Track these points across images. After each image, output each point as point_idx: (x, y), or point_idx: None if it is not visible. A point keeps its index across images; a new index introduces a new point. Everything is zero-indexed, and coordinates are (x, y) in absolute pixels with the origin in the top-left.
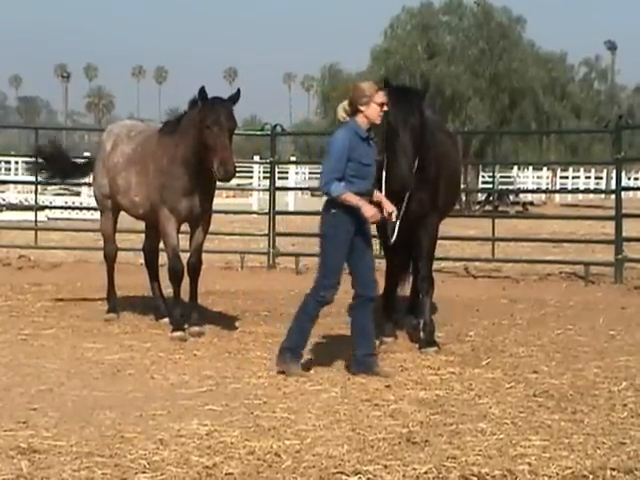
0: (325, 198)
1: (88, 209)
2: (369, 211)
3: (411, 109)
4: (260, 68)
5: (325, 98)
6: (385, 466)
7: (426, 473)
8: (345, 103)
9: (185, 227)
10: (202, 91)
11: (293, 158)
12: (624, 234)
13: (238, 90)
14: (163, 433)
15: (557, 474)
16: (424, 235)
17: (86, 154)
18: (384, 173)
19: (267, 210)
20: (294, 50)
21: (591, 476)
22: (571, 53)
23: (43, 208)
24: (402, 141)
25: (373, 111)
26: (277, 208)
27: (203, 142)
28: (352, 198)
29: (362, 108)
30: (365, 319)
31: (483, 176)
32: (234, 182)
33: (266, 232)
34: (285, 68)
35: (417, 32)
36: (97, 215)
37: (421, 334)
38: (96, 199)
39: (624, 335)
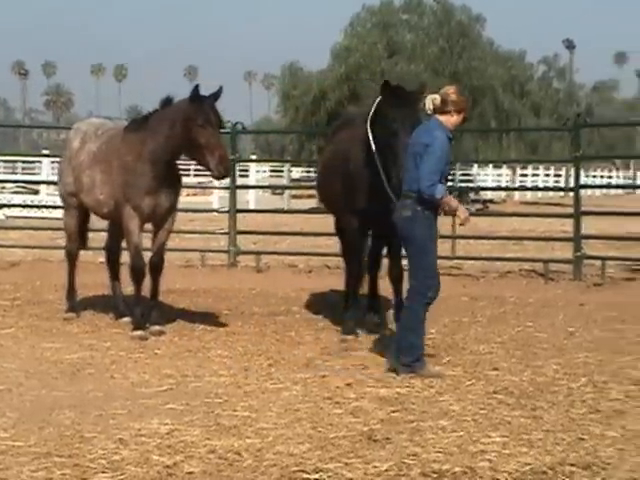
0: (407, 200)
1: (47, 207)
2: (464, 213)
3: (412, 111)
4: (220, 66)
5: (285, 96)
6: (346, 464)
7: (387, 471)
8: (437, 97)
9: (148, 225)
10: (196, 90)
11: (254, 156)
12: (583, 232)
13: (220, 87)
14: (123, 432)
15: (517, 470)
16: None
17: (45, 152)
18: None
19: (228, 208)
20: (254, 48)
21: (550, 472)
22: (530, 52)
23: (1, 207)
24: (405, 142)
25: (458, 121)
26: (238, 206)
27: (194, 141)
28: (451, 200)
29: (454, 114)
30: (411, 317)
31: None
32: (194, 180)
33: (227, 230)
34: (245, 66)
35: (377, 30)
36: (56, 213)
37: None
38: (61, 197)
39: (583, 332)
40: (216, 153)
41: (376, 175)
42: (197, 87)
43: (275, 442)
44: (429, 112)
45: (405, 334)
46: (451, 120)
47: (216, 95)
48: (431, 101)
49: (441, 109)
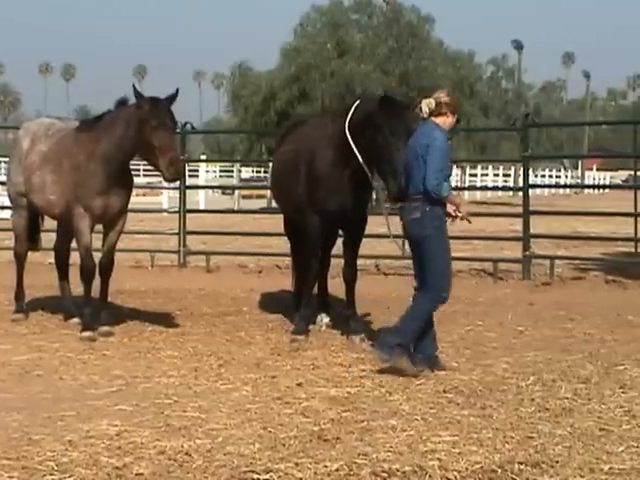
0: (414, 203)
1: None
2: (464, 210)
3: (408, 121)
4: (170, 66)
5: (235, 96)
6: (296, 464)
7: (337, 470)
8: (431, 101)
9: (98, 226)
10: (136, 90)
11: (203, 156)
12: (531, 231)
13: (176, 90)
14: (72, 434)
15: (466, 469)
16: (359, 231)
17: None
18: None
19: (177, 208)
20: (204, 48)
21: (499, 470)
22: (479, 52)
23: None
24: (402, 150)
25: (453, 121)
26: (187, 206)
27: (147, 142)
28: (454, 198)
29: (449, 115)
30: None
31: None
32: (144, 180)
33: (176, 231)
34: (195, 66)
35: (327, 30)
36: (3, 214)
37: (350, 323)
38: (10, 197)
39: (532, 331)
40: (168, 155)
41: (344, 175)
42: (134, 87)
43: (225, 443)
44: (425, 116)
45: (404, 320)
46: (447, 121)
47: (172, 97)
48: (426, 105)
49: (437, 111)
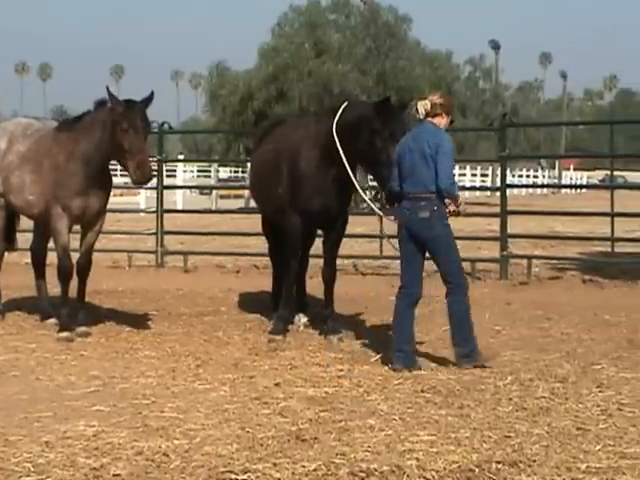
0: (421, 202)
1: None
2: (463, 206)
3: (406, 126)
4: (147, 65)
5: (213, 96)
6: (274, 464)
7: (315, 470)
8: (427, 103)
9: (76, 226)
10: (109, 92)
11: (181, 156)
12: (509, 231)
13: (151, 92)
14: (49, 435)
15: (444, 468)
16: (340, 231)
17: None
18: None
19: (155, 209)
20: (182, 47)
21: (477, 470)
22: (456, 52)
23: None
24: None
25: (447, 122)
26: (165, 206)
27: (118, 145)
28: (459, 197)
29: (444, 115)
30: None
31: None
32: (121, 180)
33: (154, 231)
34: (172, 66)
35: (305, 30)
36: None
37: (328, 323)
38: None
39: (509, 330)
40: (136, 158)
41: (327, 175)
42: (108, 89)
43: (203, 443)
44: (421, 117)
45: (459, 326)
46: (442, 122)
47: (147, 100)
48: (422, 106)
49: (432, 112)
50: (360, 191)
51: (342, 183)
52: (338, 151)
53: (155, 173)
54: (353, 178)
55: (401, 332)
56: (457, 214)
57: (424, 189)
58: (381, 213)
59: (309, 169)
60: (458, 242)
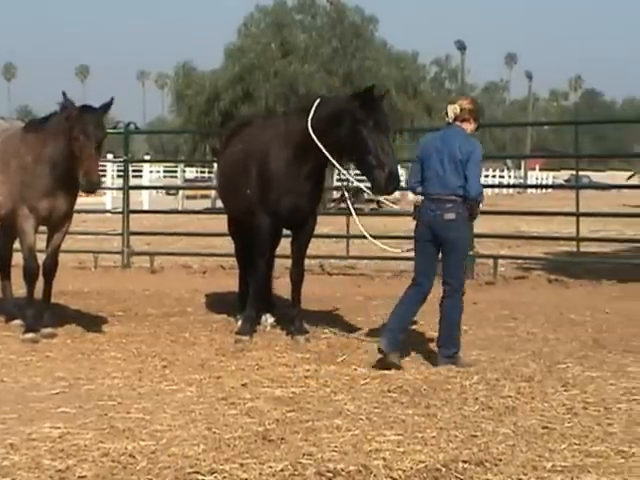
0: (447, 204)
1: None
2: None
3: (387, 115)
4: (113, 65)
5: (179, 96)
6: (241, 464)
7: (282, 470)
8: (457, 107)
9: (42, 227)
10: (65, 98)
11: (147, 157)
12: (475, 230)
13: (111, 98)
14: (14, 437)
15: (411, 468)
16: (309, 231)
17: None
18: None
19: (121, 209)
20: (148, 47)
21: (444, 469)
22: (422, 53)
23: None
24: (389, 144)
25: (475, 127)
26: (131, 207)
27: (71, 150)
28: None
29: (472, 121)
30: (456, 313)
31: (338, 174)
32: None
33: (120, 231)
34: (138, 65)
35: (271, 30)
36: None
37: (295, 323)
38: None
39: (476, 330)
40: (84, 165)
41: (299, 175)
42: (64, 93)
43: (170, 444)
44: (450, 121)
45: (450, 328)
46: (470, 127)
47: (105, 106)
48: (452, 110)
49: (461, 117)
50: (354, 181)
51: (313, 183)
52: (315, 148)
53: (103, 181)
54: (341, 169)
55: (398, 317)
56: (474, 218)
57: (451, 192)
58: (391, 205)
59: (279, 169)
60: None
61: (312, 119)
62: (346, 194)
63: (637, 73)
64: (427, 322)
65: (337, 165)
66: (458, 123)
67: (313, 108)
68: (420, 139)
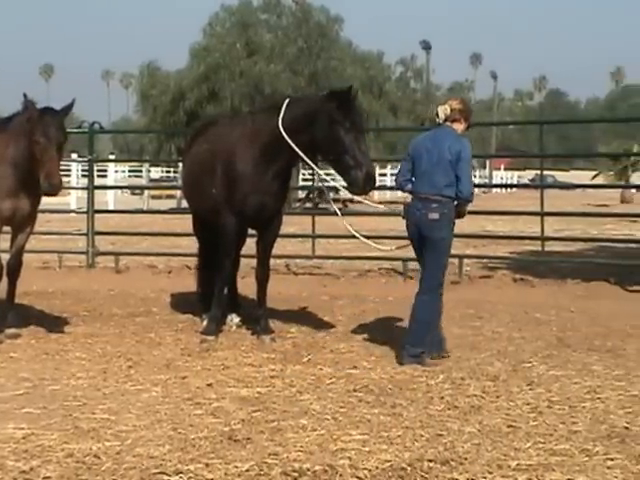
0: (433, 204)
1: None
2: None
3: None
4: (78, 65)
5: (144, 96)
6: (207, 465)
7: (248, 471)
8: (447, 107)
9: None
10: (27, 100)
11: (112, 156)
12: None
13: (72, 100)
14: None
15: (377, 467)
16: (275, 231)
17: None
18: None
19: (86, 209)
20: (112, 47)
21: (409, 468)
22: (388, 52)
23: None
24: (365, 144)
25: (465, 127)
26: (96, 207)
27: (31, 153)
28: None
29: (463, 121)
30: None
31: (304, 174)
32: None
33: (85, 231)
34: (103, 65)
35: (236, 30)
36: None
37: (261, 323)
38: None
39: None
40: (45, 169)
41: (266, 174)
42: (25, 95)
43: (135, 444)
44: (441, 122)
45: (419, 327)
46: (460, 127)
47: (66, 109)
48: (443, 111)
49: (452, 117)
50: (330, 181)
51: (280, 182)
52: (286, 147)
53: (66, 182)
54: (315, 167)
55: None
56: (461, 216)
57: (437, 192)
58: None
59: (246, 168)
60: (390, 241)
61: (283, 119)
62: (327, 195)
63: (601, 74)
64: (395, 323)
65: (313, 165)
66: (448, 123)
67: (283, 108)
68: (412, 139)
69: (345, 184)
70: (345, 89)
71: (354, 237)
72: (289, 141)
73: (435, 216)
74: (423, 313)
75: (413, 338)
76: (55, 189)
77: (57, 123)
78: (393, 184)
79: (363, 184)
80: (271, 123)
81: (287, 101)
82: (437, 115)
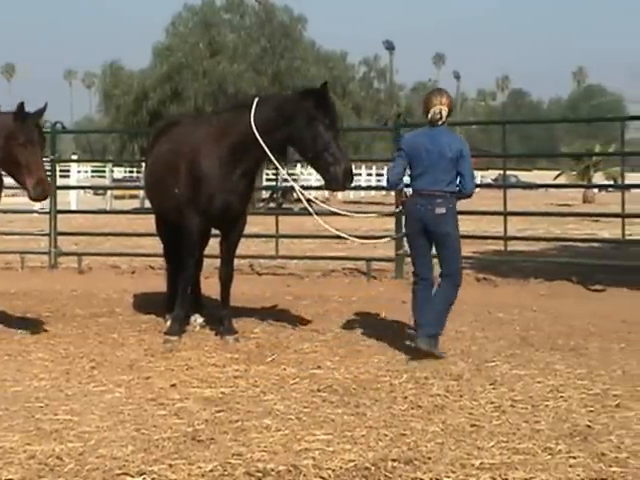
0: (438, 199)
1: None
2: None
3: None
4: (39, 64)
5: (107, 96)
6: (170, 465)
7: (211, 471)
8: (445, 107)
9: None
10: (21, 107)
11: (75, 156)
12: (404, 230)
13: (45, 104)
14: None
15: (340, 467)
16: (238, 229)
17: None
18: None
19: (48, 209)
20: (75, 46)
21: (373, 468)
22: (351, 52)
23: None
24: (340, 140)
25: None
26: (59, 207)
27: (14, 159)
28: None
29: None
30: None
31: (267, 173)
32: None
33: (47, 231)
34: (65, 64)
35: (199, 30)
36: None
37: (224, 323)
38: None
39: (404, 329)
40: (35, 175)
41: (232, 174)
42: (22, 105)
43: (98, 445)
44: (440, 123)
45: (438, 311)
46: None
47: (40, 112)
48: (444, 112)
49: (447, 117)
50: (290, 180)
51: (246, 183)
52: (256, 147)
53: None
54: (281, 167)
55: (427, 317)
56: None
57: (440, 188)
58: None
59: (212, 168)
60: (354, 241)
61: (255, 118)
62: (302, 195)
63: (563, 74)
64: (359, 322)
65: (277, 164)
66: (440, 122)
67: (254, 107)
68: (404, 137)
69: (323, 181)
70: (321, 87)
71: (338, 237)
72: (260, 141)
73: (442, 210)
74: (444, 300)
75: (431, 318)
76: (46, 195)
77: (38, 127)
78: (359, 184)
79: (343, 180)
80: (242, 122)
81: (257, 100)
82: (437, 115)
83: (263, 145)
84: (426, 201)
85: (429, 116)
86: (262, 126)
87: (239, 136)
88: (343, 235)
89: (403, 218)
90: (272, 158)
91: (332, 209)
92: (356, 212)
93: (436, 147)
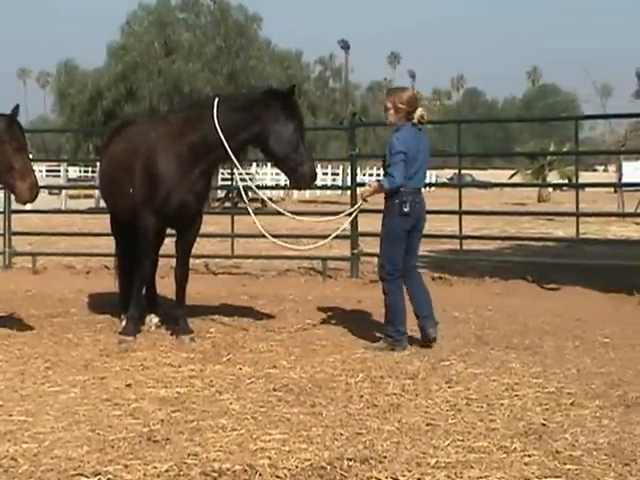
0: (422, 195)
1: None
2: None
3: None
4: None
5: (61, 95)
6: (125, 465)
7: (167, 471)
8: (424, 110)
9: None
10: (16, 110)
11: (29, 156)
12: (359, 229)
13: (17, 106)
14: None
15: (296, 467)
16: (195, 229)
17: None
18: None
19: (2, 209)
20: (29, 45)
21: (329, 467)
22: (306, 52)
23: None
24: (305, 141)
25: None
26: (13, 207)
27: (6, 163)
28: None
29: None
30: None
31: (222, 173)
32: None
33: (1, 231)
34: (19, 63)
35: (154, 29)
36: None
37: (180, 323)
38: None
39: (360, 328)
40: (28, 180)
41: (190, 174)
42: (17, 108)
43: (53, 446)
44: (420, 125)
45: (430, 304)
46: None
47: (16, 113)
48: (425, 114)
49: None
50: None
51: (203, 182)
52: (217, 147)
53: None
54: (240, 169)
55: (403, 311)
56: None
57: (422, 183)
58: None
59: (169, 168)
60: (308, 240)
61: (218, 118)
62: (261, 194)
63: (518, 73)
64: (314, 322)
65: (236, 163)
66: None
67: (215, 107)
68: (399, 139)
69: (289, 180)
70: (289, 89)
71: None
72: (224, 141)
73: (424, 204)
74: (424, 282)
75: (430, 310)
76: (35, 198)
77: (23, 130)
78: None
79: (310, 179)
80: (204, 122)
81: (217, 100)
82: (422, 117)
83: (226, 145)
84: (419, 198)
85: (416, 117)
86: (227, 126)
87: (200, 136)
88: (280, 242)
89: (395, 216)
90: (234, 158)
91: (288, 215)
92: (317, 213)
93: (423, 147)
